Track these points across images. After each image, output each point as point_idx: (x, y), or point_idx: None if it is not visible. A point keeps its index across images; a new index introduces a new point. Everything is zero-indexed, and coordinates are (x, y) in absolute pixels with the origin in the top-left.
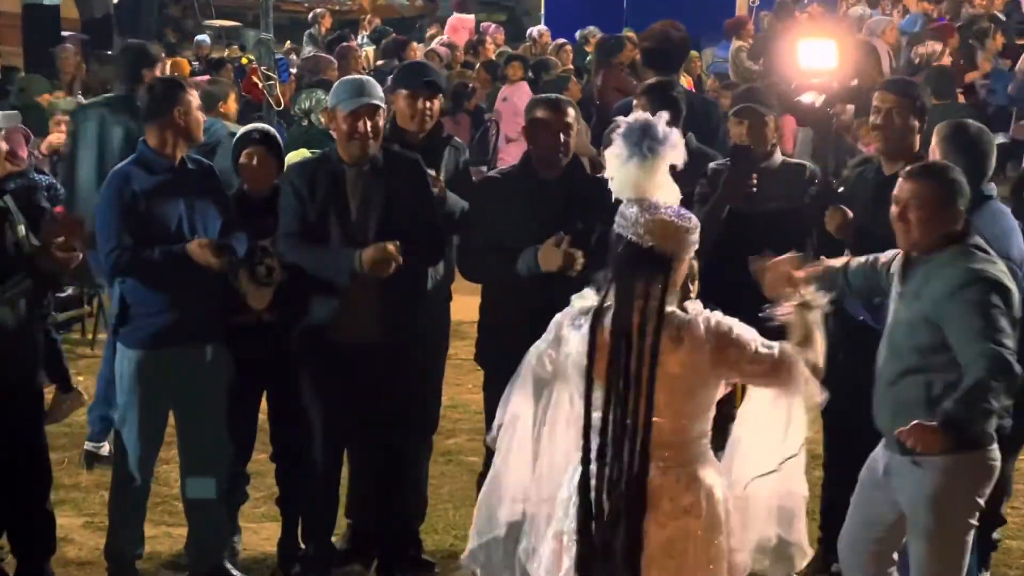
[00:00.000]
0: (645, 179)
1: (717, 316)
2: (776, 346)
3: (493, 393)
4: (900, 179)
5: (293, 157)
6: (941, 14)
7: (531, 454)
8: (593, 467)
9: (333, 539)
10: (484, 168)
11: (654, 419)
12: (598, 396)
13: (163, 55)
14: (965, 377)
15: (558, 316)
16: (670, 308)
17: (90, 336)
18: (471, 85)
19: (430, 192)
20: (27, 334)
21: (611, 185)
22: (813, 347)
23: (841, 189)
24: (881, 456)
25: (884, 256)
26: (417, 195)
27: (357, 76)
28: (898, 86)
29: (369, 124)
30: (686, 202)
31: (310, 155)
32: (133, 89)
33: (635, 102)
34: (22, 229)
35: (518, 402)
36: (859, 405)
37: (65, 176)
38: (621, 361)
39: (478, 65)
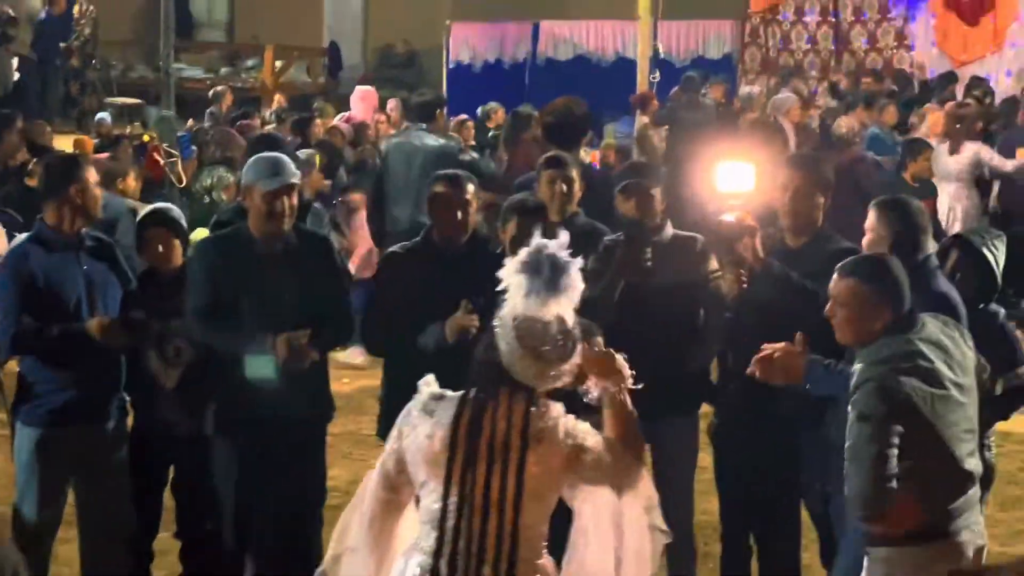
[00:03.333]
0: (539, 311)
1: (573, 422)
2: (613, 448)
3: None
4: (835, 274)
5: (197, 235)
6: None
7: None
8: (444, 568)
9: None
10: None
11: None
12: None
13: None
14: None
15: (407, 407)
16: (539, 409)
17: None
18: (371, 160)
19: (340, 269)
20: None
21: (507, 304)
22: (635, 439)
23: None
24: None
25: None
26: (328, 273)
27: (272, 154)
28: (804, 163)
29: (287, 203)
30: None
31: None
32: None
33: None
34: None
35: (356, 533)
36: (750, 435)
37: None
38: (475, 467)
39: (381, 142)
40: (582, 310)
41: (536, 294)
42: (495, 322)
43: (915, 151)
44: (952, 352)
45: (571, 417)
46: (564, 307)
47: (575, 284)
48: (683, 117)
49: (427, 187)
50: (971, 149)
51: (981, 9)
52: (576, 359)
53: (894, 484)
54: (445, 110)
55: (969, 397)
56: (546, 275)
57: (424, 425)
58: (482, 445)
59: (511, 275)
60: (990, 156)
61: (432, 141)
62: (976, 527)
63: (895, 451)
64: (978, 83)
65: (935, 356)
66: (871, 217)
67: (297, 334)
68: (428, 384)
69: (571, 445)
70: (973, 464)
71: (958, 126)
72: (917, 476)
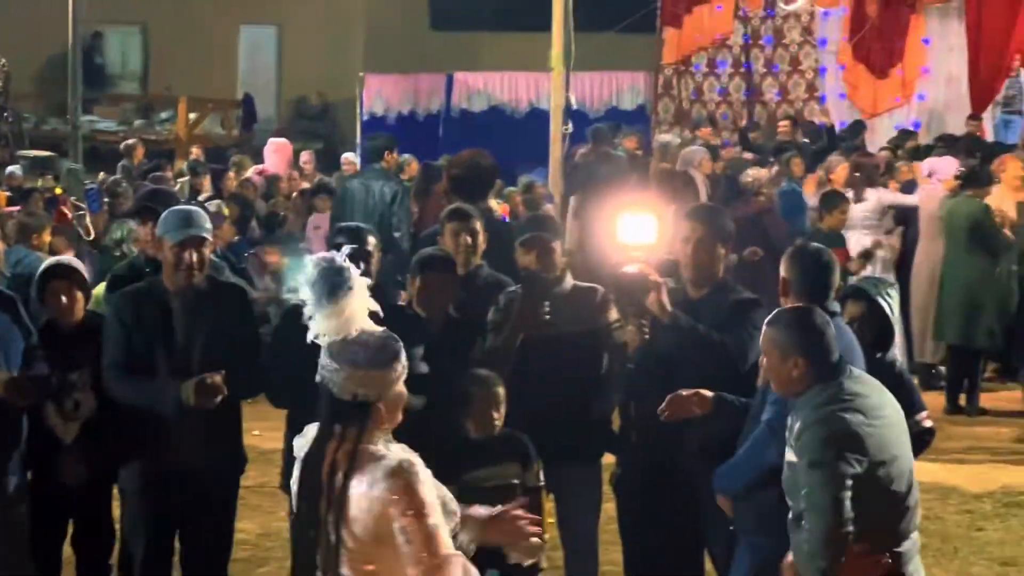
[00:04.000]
0: (337, 321)
1: (411, 464)
2: (451, 548)
3: None
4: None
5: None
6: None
7: None
8: None
9: None
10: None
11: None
12: None
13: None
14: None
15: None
16: (372, 446)
17: None
18: (282, 213)
19: (254, 321)
20: None
21: (310, 330)
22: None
23: None
24: None
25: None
26: (242, 324)
27: (185, 207)
28: (704, 214)
29: (195, 255)
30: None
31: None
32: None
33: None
34: None
35: None
36: (652, 484)
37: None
38: (310, 506)
39: (294, 194)
40: (483, 361)
41: (326, 299)
42: (319, 373)
43: (831, 203)
44: (881, 389)
45: (413, 459)
46: (357, 310)
47: (357, 283)
48: (595, 171)
49: (329, 240)
50: (873, 195)
51: (889, 61)
52: (402, 371)
53: (851, 528)
54: (396, 151)
55: (904, 432)
56: (328, 279)
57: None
58: (321, 486)
59: (304, 298)
60: (893, 198)
61: (387, 186)
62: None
63: (849, 494)
64: (907, 135)
65: (869, 392)
66: (784, 265)
67: (205, 377)
68: (303, 436)
69: (394, 485)
70: (914, 502)
71: (858, 174)
72: (870, 517)
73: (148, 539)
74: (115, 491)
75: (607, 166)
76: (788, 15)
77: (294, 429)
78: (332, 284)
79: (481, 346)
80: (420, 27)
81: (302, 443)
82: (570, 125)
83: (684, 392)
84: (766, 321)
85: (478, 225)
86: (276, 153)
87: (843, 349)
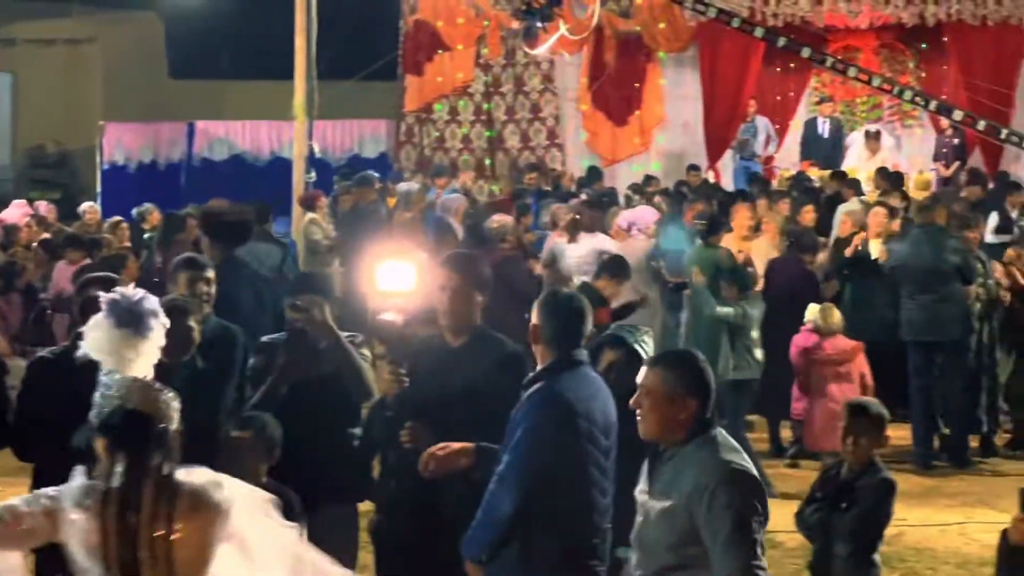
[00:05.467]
0: (132, 354)
1: (225, 480)
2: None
3: None
4: (644, 366)
5: None
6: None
7: None
8: None
9: None
10: (39, 348)
11: None
12: None
13: None
14: None
15: (62, 495)
16: (178, 476)
17: None
18: (20, 263)
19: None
20: None
21: (92, 352)
22: None
23: None
24: None
25: None
26: None
27: None
28: (459, 263)
29: None
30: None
31: None
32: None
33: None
34: None
35: None
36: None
37: None
38: (132, 542)
39: (35, 244)
40: (253, 407)
41: (124, 331)
42: (100, 396)
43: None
44: None
45: (222, 477)
46: (150, 355)
47: (159, 318)
48: (366, 217)
49: (79, 291)
50: (587, 240)
51: (628, 109)
52: (176, 411)
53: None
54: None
55: None
56: (132, 316)
57: (82, 521)
58: (132, 530)
59: (95, 327)
60: (604, 245)
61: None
62: None
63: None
64: (650, 180)
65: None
66: (536, 312)
67: None
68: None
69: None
70: None
71: (578, 217)
72: None
73: None
74: None
75: (378, 213)
76: (528, 63)
77: (40, 484)
78: (145, 321)
79: (225, 394)
80: (159, 76)
81: (84, 484)
82: (313, 173)
83: (444, 449)
84: (648, 363)
85: (211, 274)
86: (15, 208)
87: (589, 397)
